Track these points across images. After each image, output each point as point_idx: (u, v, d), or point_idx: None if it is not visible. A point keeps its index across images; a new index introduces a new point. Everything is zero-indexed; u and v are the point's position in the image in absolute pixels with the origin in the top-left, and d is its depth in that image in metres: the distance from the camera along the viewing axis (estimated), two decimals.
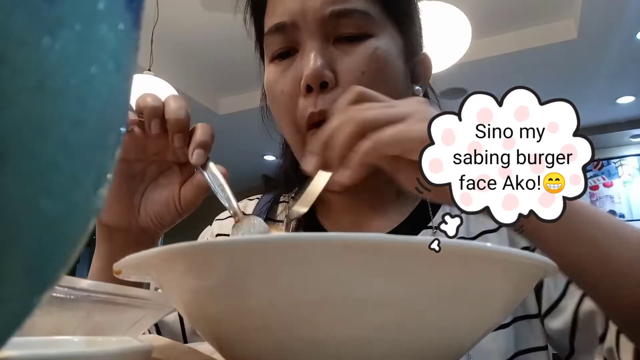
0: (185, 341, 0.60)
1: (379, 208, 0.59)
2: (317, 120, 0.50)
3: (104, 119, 0.11)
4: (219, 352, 0.26)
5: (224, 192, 0.47)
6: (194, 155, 0.46)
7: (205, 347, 0.32)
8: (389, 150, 0.34)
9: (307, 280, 0.20)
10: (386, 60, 0.52)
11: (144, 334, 0.41)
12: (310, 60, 0.50)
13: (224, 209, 0.71)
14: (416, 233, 0.56)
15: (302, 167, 0.51)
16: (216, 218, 0.70)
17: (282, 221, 0.64)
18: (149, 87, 2.17)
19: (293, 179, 0.66)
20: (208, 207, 0.66)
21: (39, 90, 0.09)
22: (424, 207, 0.58)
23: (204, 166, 0.47)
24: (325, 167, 0.37)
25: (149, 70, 2.28)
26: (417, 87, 0.58)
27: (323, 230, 0.60)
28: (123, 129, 0.13)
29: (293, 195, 0.67)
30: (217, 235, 0.67)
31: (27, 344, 0.24)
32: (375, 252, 0.19)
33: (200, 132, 0.48)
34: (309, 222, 0.61)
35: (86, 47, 0.10)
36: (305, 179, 0.63)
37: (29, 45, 0.09)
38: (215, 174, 0.47)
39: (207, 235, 0.69)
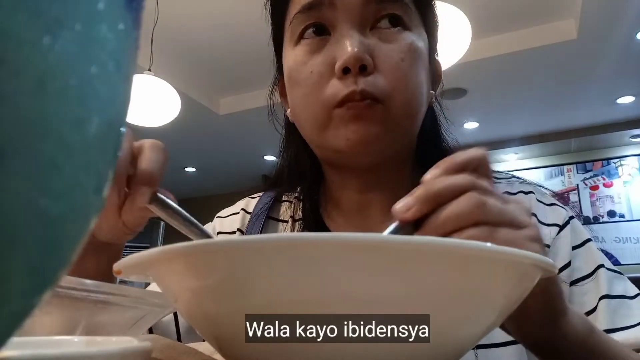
0: (179, 341, 0.60)
1: (390, 209, 0.57)
2: (355, 99, 0.49)
3: (104, 119, 0.11)
4: (219, 352, 0.26)
5: (185, 220, 0.41)
6: (137, 197, 0.40)
7: (205, 347, 0.32)
8: None
9: (307, 280, 0.20)
10: (420, 55, 0.52)
11: (144, 334, 0.41)
12: (350, 44, 0.49)
13: (225, 205, 0.70)
14: None
15: (329, 144, 0.51)
16: (217, 215, 0.68)
17: (286, 221, 0.64)
18: (149, 87, 2.17)
19: (295, 175, 0.64)
20: (208, 206, 0.65)
21: (39, 90, 0.09)
22: None
23: (150, 200, 0.40)
24: (413, 218, 0.31)
25: (149, 70, 2.29)
26: (431, 92, 0.58)
27: (328, 231, 0.59)
28: (123, 129, 0.13)
29: (297, 194, 0.65)
30: (219, 233, 0.65)
31: (27, 344, 0.24)
32: (375, 252, 0.20)
33: (146, 159, 0.40)
34: (315, 223, 0.60)
35: (86, 47, 0.10)
36: (306, 175, 0.62)
37: (29, 45, 0.09)
38: (166, 203, 0.41)
39: (209, 230, 0.68)
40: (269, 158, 4.71)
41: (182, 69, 3.46)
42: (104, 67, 0.11)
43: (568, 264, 0.53)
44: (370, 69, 0.49)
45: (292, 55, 0.54)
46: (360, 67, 0.48)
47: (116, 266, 0.25)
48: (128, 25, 0.12)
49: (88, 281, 0.32)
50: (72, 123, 0.10)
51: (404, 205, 0.31)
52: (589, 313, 0.50)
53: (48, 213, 0.10)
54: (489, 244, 0.21)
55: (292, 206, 0.64)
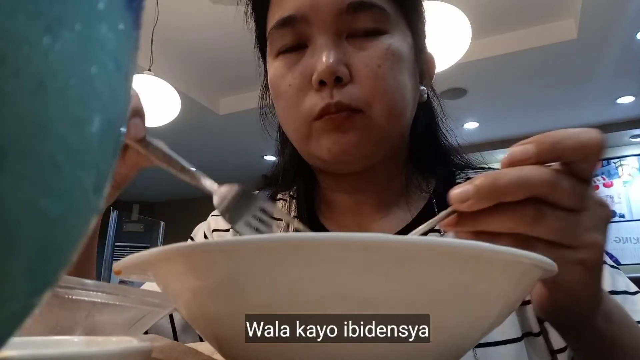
0: (176, 339, 0.60)
1: (384, 209, 0.58)
2: (330, 112, 0.49)
3: (104, 119, 0.11)
4: (219, 352, 0.26)
5: (180, 165, 0.40)
6: (131, 128, 0.39)
7: (205, 347, 0.32)
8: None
9: (307, 280, 0.20)
10: (400, 57, 0.51)
11: (144, 334, 0.41)
12: (324, 56, 0.48)
13: None
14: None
15: (313, 154, 0.50)
16: (212, 214, 0.68)
17: (280, 219, 0.64)
18: (149, 87, 2.17)
19: (290, 176, 0.64)
20: (209, 206, 0.65)
21: (39, 90, 0.09)
22: (430, 208, 0.57)
23: (142, 141, 0.40)
24: (467, 210, 0.29)
25: (149, 70, 2.29)
26: (422, 87, 0.58)
27: (325, 231, 0.59)
28: (123, 129, 0.13)
29: (292, 193, 0.65)
30: (214, 230, 0.65)
31: (27, 344, 0.24)
32: (375, 252, 0.19)
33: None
34: (311, 222, 0.60)
35: (86, 47, 0.10)
36: (300, 177, 0.62)
37: (29, 45, 0.09)
38: (158, 146, 0.40)
39: (203, 229, 0.67)
40: (269, 158, 4.70)
41: (182, 69, 3.46)
42: (104, 67, 0.11)
43: None
44: (347, 80, 0.49)
45: (272, 67, 0.54)
46: (335, 79, 0.48)
47: (116, 266, 0.25)
48: (128, 25, 0.12)
49: (88, 281, 0.32)
50: (72, 123, 0.10)
51: (462, 193, 0.29)
52: None
53: (48, 213, 0.10)
54: (488, 244, 0.21)
55: (287, 205, 0.65)
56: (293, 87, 0.51)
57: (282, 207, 0.65)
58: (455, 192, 0.29)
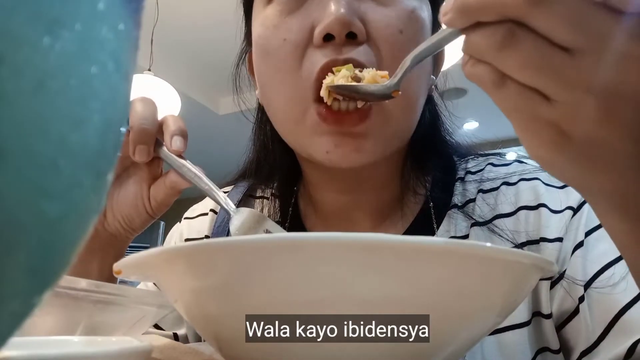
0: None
1: (376, 214, 0.51)
2: (337, 64, 0.38)
3: (104, 119, 0.11)
4: (219, 352, 0.26)
5: (209, 187, 0.40)
6: (174, 142, 0.39)
7: (205, 347, 0.32)
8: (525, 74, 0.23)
9: (307, 280, 0.20)
10: (423, 26, 0.42)
11: (144, 334, 0.41)
12: (334, 3, 0.38)
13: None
14: None
15: (304, 148, 0.41)
16: (185, 216, 0.60)
17: None
18: (149, 87, 2.18)
19: (267, 167, 0.55)
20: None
21: (39, 90, 0.09)
22: (427, 215, 0.50)
23: (181, 157, 0.41)
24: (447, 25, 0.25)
25: (149, 70, 2.29)
26: (432, 77, 0.50)
27: None
28: (123, 129, 0.13)
29: (273, 191, 0.56)
30: (186, 239, 0.58)
31: (27, 344, 0.24)
32: (375, 252, 0.19)
33: (173, 120, 0.41)
34: (294, 227, 0.53)
35: (86, 47, 0.10)
36: (280, 169, 0.53)
37: (29, 45, 0.09)
38: (192, 169, 0.41)
39: (176, 235, 0.59)
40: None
41: (182, 68, 3.46)
42: (104, 67, 0.11)
43: (581, 244, 0.44)
44: (362, 38, 0.38)
45: (262, 17, 0.43)
46: (347, 35, 0.38)
47: (116, 266, 0.25)
48: (128, 26, 0.12)
49: (88, 281, 0.32)
50: (72, 123, 0.10)
51: (444, 6, 0.25)
52: None
53: (48, 213, 0.10)
54: (488, 244, 0.21)
55: (268, 204, 0.55)
56: (289, 42, 0.40)
57: (262, 206, 0.57)
58: (443, 4, 0.25)
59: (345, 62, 0.37)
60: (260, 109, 0.55)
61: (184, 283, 0.23)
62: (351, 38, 0.38)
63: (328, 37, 0.38)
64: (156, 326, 0.57)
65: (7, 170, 0.09)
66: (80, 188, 0.11)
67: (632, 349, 0.37)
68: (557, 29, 0.21)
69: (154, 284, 0.56)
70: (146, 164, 0.43)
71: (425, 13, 0.44)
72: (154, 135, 0.40)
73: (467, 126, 4.29)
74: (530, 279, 0.24)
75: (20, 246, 0.10)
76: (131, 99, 0.43)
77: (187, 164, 0.41)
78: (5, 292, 0.10)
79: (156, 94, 2.22)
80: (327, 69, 0.38)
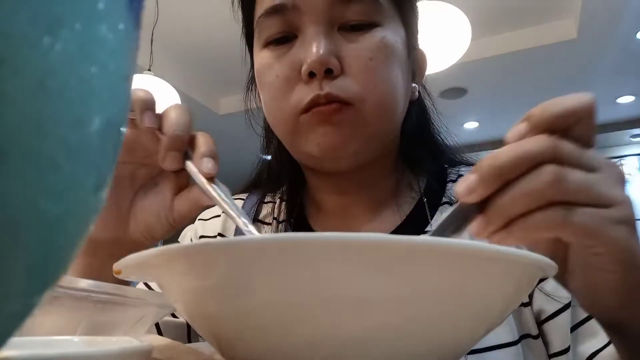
0: (189, 340, 0.59)
1: (374, 209, 0.57)
2: (320, 104, 0.47)
3: (104, 119, 0.11)
4: (219, 352, 0.26)
5: (236, 211, 0.39)
6: (205, 164, 0.40)
7: (205, 347, 0.32)
8: (572, 236, 0.28)
9: (307, 280, 0.20)
10: (393, 51, 0.50)
11: (144, 334, 0.41)
12: (314, 46, 0.47)
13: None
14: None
15: (301, 149, 0.48)
16: (199, 217, 0.65)
17: (269, 223, 0.62)
18: (149, 87, 2.17)
19: (277, 175, 0.62)
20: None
21: (39, 90, 0.09)
22: (420, 208, 0.55)
23: (212, 179, 0.40)
24: (476, 201, 0.27)
25: (149, 70, 2.29)
26: (414, 85, 0.56)
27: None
28: (123, 129, 0.13)
29: (280, 195, 0.63)
30: (201, 237, 0.63)
31: (27, 344, 0.24)
32: (375, 252, 0.20)
33: (204, 140, 0.42)
34: (299, 225, 0.58)
35: (86, 47, 0.10)
36: (287, 177, 0.60)
37: (29, 45, 0.09)
38: (224, 191, 0.40)
39: (190, 234, 0.64)
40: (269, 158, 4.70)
41: (182, 69, 3.46)
42: (104, 67, 0.11)
43: None
44: (337, 72, 0.47)
45: (259, 57, 0.52)
46: (326, 71, 0.47)
47: (116, 266, 0.25)
48: (128, 25, 0.12)
49: (88, 281, 0.32)
50: (72, 123, 0.10)
51: (467, 186, 0.27)
52: None
53: (48, 213, 0.10)
54: (488, 244, 0.21)
55: (276, 207, 0.62)
56: (280, 78, 0.49)
57: (270, 211, 0.62)
58: (461, 188, 0.27)
59: (326, 96, 0.47)
60: (267, 125, 0.63)
61: (184, 283, 0.23)
62: (329, 73, 0.47)
63: (312, 74, 0.47)
64: (172, 315, 0.57)
65: (7, 170, 0.09)
66: (81, 188, 0.11)
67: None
68: (578, 160, 0.28)
69: (145, 283, 0.57)
70: (173, 173, 0.44)
71: (397, 37, 0.51)
72: (186, 144, 0.41)
73: (467, 126, 4.29)
74: (530, 279, 0.24)
75: (20, 246, 0.10)
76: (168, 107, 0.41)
77: (214, 185, 0.40)
78: (5, 292, 0.10)
79: (156, 94, 2.21)
80: (312, 105, 0.47)
